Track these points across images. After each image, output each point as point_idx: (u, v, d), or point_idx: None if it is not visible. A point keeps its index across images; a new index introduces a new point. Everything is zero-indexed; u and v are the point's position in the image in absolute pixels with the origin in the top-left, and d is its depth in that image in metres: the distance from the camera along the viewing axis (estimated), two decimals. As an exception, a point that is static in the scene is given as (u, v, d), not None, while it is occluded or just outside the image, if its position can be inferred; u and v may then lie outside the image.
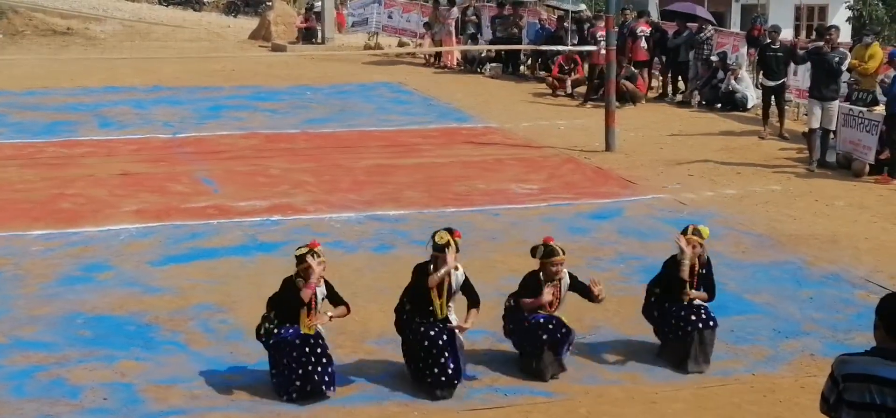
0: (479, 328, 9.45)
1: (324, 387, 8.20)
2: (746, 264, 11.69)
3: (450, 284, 8.42)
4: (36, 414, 7.92)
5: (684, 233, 8.98)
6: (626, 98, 21.72)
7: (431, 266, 8.35)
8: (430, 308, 8.38)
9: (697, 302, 9.04)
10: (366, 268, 11.34)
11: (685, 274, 8.89)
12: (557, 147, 17.89)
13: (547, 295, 8.73)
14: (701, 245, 8.94)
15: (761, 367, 8.96)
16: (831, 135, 16.93)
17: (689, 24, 23.15)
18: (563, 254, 8.78)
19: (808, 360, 9.08)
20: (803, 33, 36.58)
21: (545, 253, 8.76)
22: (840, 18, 38.50)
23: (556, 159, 17.02)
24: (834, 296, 10.71)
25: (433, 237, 8.37)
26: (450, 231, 8.39)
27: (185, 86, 24.11)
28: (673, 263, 9.03)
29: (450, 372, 8.27)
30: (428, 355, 8.26)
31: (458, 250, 8.33)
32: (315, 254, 8.18)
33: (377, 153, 17.34)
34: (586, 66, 23.94)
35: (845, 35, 30.42)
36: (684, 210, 13.90)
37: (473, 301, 8.61)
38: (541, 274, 8.81)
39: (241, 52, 31.45)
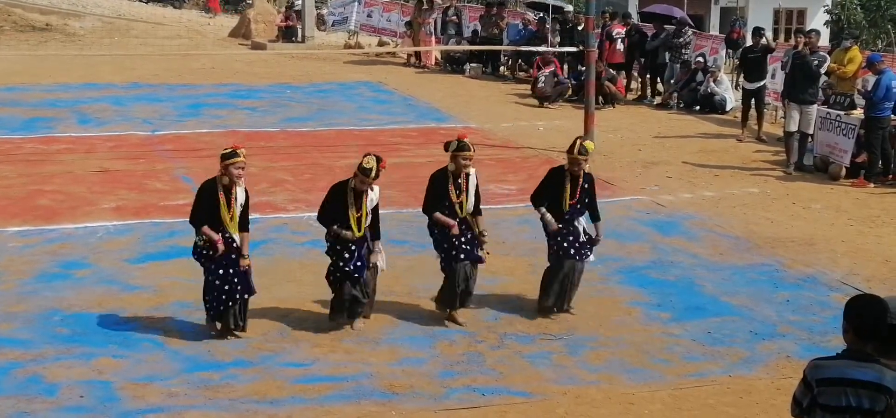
0: (457, 329, 9.51)
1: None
2: (723, 266, 11.74)
3: (366, 203, 9.20)
4: (12, 411, 7.88)
5: (571, 148, 9.68)
6: (605, 99, 21.79)
7: (350, 184, 9.16)
8: (348, 225, 9.20)
9: (581, 235, 9.91)
10: (344, 268, 11.31)
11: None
12: (537, 148, 17.93)
13: (455, 227, 9.45)
14: (585, 160, 9.70)
15: (738, 369, 9.01)
16: (809, 139, 17.05)
17: (666, 26, 23.24)
18: (473, 151, 9.47)
19: (785, 362, 9.13)
20: (782, 36, 36.77)
21: (458, 147, 9.43)
22: (818, 22, 38.65)
23: (535, 160, 17.04)
24: (810, 299, 10.77)
25: (362, 160, 9.07)
26: (378, 159, 9.07)
27: (164, 83, 24.04)
28: (556, 173, 9.84)
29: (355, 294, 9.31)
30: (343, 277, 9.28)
31: (377, 176, 9.10)
32: (239, 154, 9.16)
33: (356, 152, 17.11)
34: (566, 67, 23.99)
35: (824, 39, 30.55)
36: (662, 211, 13.96)
37: (374, 231, 9.49)
38: (450, 167, 9.44)
39: (221, 50, 31.36)
